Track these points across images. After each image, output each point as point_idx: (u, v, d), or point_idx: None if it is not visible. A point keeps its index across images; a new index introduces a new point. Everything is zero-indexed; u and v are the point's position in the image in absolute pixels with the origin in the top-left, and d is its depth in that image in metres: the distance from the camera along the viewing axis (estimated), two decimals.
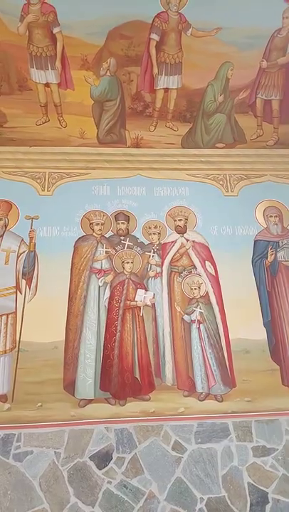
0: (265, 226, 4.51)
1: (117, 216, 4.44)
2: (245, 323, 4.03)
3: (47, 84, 4.27)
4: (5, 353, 3.79)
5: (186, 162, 4.65)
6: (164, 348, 3.93)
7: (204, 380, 3.76)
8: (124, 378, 3.74)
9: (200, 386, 3.74)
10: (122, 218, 4.43)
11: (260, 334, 4.03)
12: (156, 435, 3.44)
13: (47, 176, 4.55)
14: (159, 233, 4.40)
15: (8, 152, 4.58)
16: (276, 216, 4.53)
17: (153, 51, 4.11)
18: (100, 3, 3.75)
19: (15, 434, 3.41)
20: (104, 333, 3.92)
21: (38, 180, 4.53)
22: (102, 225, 4.37)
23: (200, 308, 4.07)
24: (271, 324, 4.09)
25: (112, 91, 4.37)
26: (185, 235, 4.40)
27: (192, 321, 4.02)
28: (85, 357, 3.81)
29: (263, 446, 3.48)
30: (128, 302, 4.04)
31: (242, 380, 3.77)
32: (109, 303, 4.04)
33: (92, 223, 4.37)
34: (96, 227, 4.34)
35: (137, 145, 4.66)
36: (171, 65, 4.24)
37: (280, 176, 4.69)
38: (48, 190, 4.49)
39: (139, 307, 4.02)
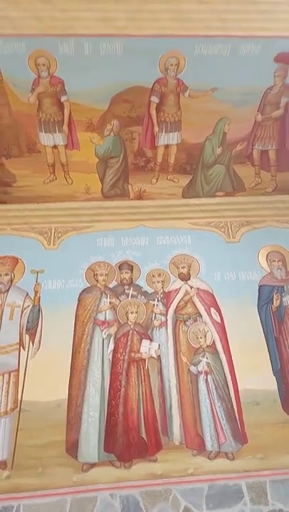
0: (269, 271, 4.50)
1: (121, 266, 4.51)
2: (254, 373, 3.90)
3: (54, 146, 4.57)
4: (6, 414, 3.70)
5: (188, 211, 4.78)
6: (170, 402, 3.80)
7: (214, 437, 3.57)
8: (130, 438, 3.58)
9: (210, 444, 3.55)
10: (126, 268, 4.49)
11: (270, 384, 3.87)
12: (165, 501, 3.22)
13: (53, 231, 4.72)
14: (162, 281, 4.42)
15: (16, 209, 4.81)
16: (279, 261, 4.53)
17: (153, 112, 4.40)
18: (103, 73, 4.10)
19: (13, 507, 3.22)
20: (108, 388, 3.82)
21: (45, 235, 4.70)
22: (106, 275, 4.43)
23: (207, 358, 3.96)
24: (281, 372, 3.94)
25: (116, 149, 4.63)
26: (189, 282, 4.41)
27: (199, 372, 3.90)
28: (89, 415, 3.69)
29: (279, 510, 3.21)
30: (133, 354, 3.97)
31: (253, 435, 3.56)
32: (114, 356, 3.97)
33: (96, 274, 4.43)
34: (100, 278, 4.40)
35: (139, 197, 4.85)
36: (170, 123, 4.49)
37: (280, 221, 4.76)
38: (53, 244, 4.64)
39: (144, 359, 3.93)
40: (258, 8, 3.86)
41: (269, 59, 4.08)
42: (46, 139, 4.52)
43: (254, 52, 4.00)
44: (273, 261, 4.51)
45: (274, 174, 4.82)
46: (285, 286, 4.36)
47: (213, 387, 3.82)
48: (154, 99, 4.33)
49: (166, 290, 4.36)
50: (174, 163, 4.70)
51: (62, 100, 4.31)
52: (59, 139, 4.52)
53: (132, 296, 4.28)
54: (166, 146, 4.63)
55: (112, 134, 4.54)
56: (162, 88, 4.28)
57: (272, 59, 4.08)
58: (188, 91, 4.29)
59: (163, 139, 4.57)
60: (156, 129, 4.49)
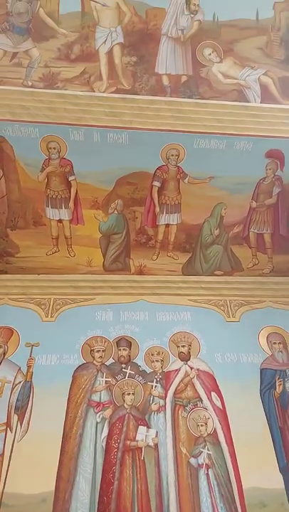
0: (270, 353, 4.40)
1: (118, 342, 4.36)
2: (259, 468, 3.59)
3: (59, 220, 4.71)
4: None
5: (187, 288, 4.81)
6: (168, 501, 3.40)
7: None
8: None
9: None
10: (124, 344, 4.34)
11: (277, 482, 3.54)
12: None
13: (52, 302, 4.64)
14: (162, 360, 4.25)
15: (16, 280, 4.77)
16: (280, 343, 4.47)
17: (155, 195, 4.69)
18: (110, 159, 4.45)
19: None
20: (100, 481, 3.42)
21: (43, 307, 4.61)
22: (103, 351, 4.25)
23: (208, 450, 3.66)
24: (288, 469, 3.61)
25: (119, 226, 4.81)
26: (189, 362, 4.26)
27: (199, 466, 3.58)
28: None
29: None
30: (128, 442, 3.66)
31: None
32: (107, 443, 3.65)
33: (92, 350, 4.27)
34: (97, 354, 4.22)
35: (140, 272, 4.91)
36: (171, 206, 4.76)
37: (279, 302, 4.80)
38: (51, 317, 4.53)
39: (140, 448, 3.61)
40: (248, 113, 4.40)
41: (261, 154, 4.53)
42: (52, 214, 4.68)
43: (247, 148, 4.44)
44: (274, 343, 4.45)
45: (270, 256, 4.99)
46: (287, 371, 4.23)
47: (215, 483, 3.49)
48: (156, 184, 4.65)
49: (165, 370, 4.18)
50: (174, 241, 4.86)
51: (69, 179, 4.58)
52: (64, 214, 4.69)
53: (130, 375, 4.08)
54: (167, 226, 4.84)
55: (115, 212, 4.75)
56: (164, 174, 4.62)
57: (264, 154, 4.52)
58: (187, 178, 4.64)
59: (164, 219, 4.80)
60: (157, 209, 4.74)
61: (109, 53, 4.64)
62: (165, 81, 4.70)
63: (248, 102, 4.60)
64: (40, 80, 4.38)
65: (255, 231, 4.95)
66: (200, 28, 4.70)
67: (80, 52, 4.67)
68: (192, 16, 4.71)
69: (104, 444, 3.64)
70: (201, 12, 4.65)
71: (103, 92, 4.52)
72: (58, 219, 4.71)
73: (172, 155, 4.49)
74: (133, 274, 4.89)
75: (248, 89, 4.65)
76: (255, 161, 4.60)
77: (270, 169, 4.63)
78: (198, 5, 4.65)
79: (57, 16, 4.68)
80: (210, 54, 4.70)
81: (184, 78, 4.67)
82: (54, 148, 4.37)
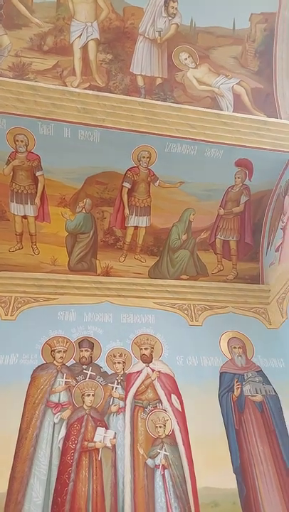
0: (230, 357, 4.51)
1: (81, 343, 4.31)
2: (214, 469, 3.67)
3: (24, 216, 4.58)
4: None
5: (153, 291, 4.83)
6: (123, 502, 3.41)
7: None
8: None
9: None
10: (86, 345, 4.29)
11: (230, 482, 3.64)
12: None
13: (12, 301, 4.49)
14: (124, 362, 4.25)
15: None
16: (240, 348, 4.58)
17: (125, 196, 4.68)
18: (80, 156, 4.38)
19: None
20: (54, 483, 3.37)
21: (3, 305, 4.45)
22: (64, 352, 4.19)
23: (165, 451, 3.71)
24: (241, 470, 3.74)
25: (86, 225, 4.75)
26: (151, 364, 4.28)
27: (156, 466, 3.62)
28: None
29: None
30: (85, 443, 3.64)
31: None
32: (64, 444, 3.61)
33: (53, 350, 4.19)
34: (57, 355, 4.15)
35: (106, 273, 4.86)
36: (140, 208, 4.77)
37: (241, 308, 4.93)
38: (11, 315, 4.38)
39: (98, 449, 3.61)
40: (220, 120, 4.49)
41: (230, 163, 4.64)
42: (17, 209, 4.54)
43: (217, 155, 4.54)
44: (234, 347, 4.56)
45: (235, 263, 5.14)
46: (245, 375, 4.34)
47: (170, 484, 3.54)
48: (127, 185, 4.64)
49: (126, 372, 4.18)
50: (142, 244, 4.89)
51: (37, 175, 4.47)
52: (30, 210, 4.57)
53: (91, 376, 4.05)
54: (136, 228, 4.84)
55: (83, 211, 4.69)
56: (134, 176, 4.63)
57: (233, 163, 4.64)
58: (158, 181, 4.67)
59: (133, 221, 4.80)
60: (126, 211, 4.73)
61: (84, 48, 4.54)
62: (140, 82, 4.67)
63: (221, 109, 4.69)
64: (9, 69, 4.20)
65: (222, 238, 5.07)
66: (177, 32, 4.71)
67: (53, 44, 4.53)
68: (170, 18, 4.70)
69: (60, 445, 3.60)
70: (179, 16, 4.67)
71: (76, 87, 4.43)
72: (22, 215, 4.57)
73: (144, 157, 4.50)
74: (99, 275, 4.84)
75: (222, 97, 4.73)
76: (224, 169, 4.71)
77: (238, 178, 4.76)
78: (176, 8, 4.66)
79: (31, 4, 4.50)
80: (186, 59, 4.74)
81: (158, 80, 4.67)
82: (21, 141, 4.23)
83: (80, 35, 4.57)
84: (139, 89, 4.60)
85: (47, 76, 4.48)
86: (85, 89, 4.41)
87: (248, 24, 4.74)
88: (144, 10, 4.57)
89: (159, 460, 3.66)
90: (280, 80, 4.71)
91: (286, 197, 4.65)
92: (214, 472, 3.66)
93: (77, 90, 4.29)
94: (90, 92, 4.33)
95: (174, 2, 4.61)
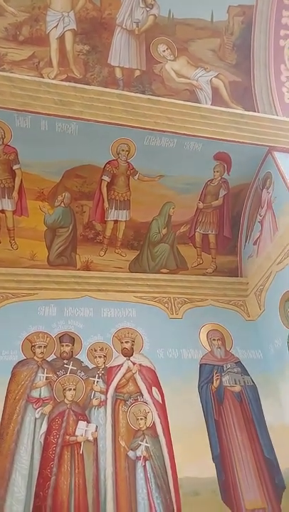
0: (210, 349, 4.56)
1: (61, 338, 4.28)
2: (194, 459, 3.74)
3: (2, 211, 4.49)
4: None
5: (134, 285, 4.82)
6: (105, 494, 3.44)
7: None
8: None
9: None
10: (67, 340, 4.26)
11: (210, 471, 3.73)
12: None
13: None
14: (104, 356, 4.24)
15: None
16: (219, 339, 4.64)
17: (104, 190, 4.63)
18: (58, 149, 4.31)
19: None
20: (36, 477, 3.38)
21: None
22: (44, 347, 4.16)
23: (146, 442, 3.75)
24: (220, 458, 3.82)
25: (65, 220, 4.69)
26: (131, 358, 4.30)
27: (137, 458, 3.66)
28: (11, 510, 3.18)
29: None
30: (67, 437, 3.65)
31: None
32: (46, 438, 3.61)
33: (33, 346, 4.14)
34: (38, 350, 4.11)
35: (86, 268, 4.81)
36: (120, 202, 4.75)
37: (220, 300, 4.97)
38: None
39: (80, 443, 3.62)
40: (199, 113, 4.50)
41: (209, 156, 4.66)
42: None
43: (196, 148, 4.55)
44: (213, 339, 4.61)
45: (214, 256, 5.17)
46: (225, 366, 4.41)
47: (152, 475, 3.59)
48: (106, 178, 4.60)
49: (107, 366, 4.18)
50: (122, 238, 4.86)
51: (14, 168, 4.37)
52: (7, 204, 4.49)
53: (72, 371, 4.04)
54: (116, 222, 4.81)
55: (62, 205, 4.63)
56: (114, 169, 4.58)
57: (212, 157, 4.65)
58: (137, 175, 4.65)
59: (112, 215, 4.77)
60: (106, 205, 4.70)
61: (61, 39, 4.46)
62: (118, 73, 4.62)
63: (200, 102, 4.70)
64: None
65: (201, 231, 5.10)
66: (155, 23, 4.67)
67: (29, 34, 4.42)
68: (148, 9, 4.65)
69: (42, 440, 3.60)
70: (157, 7, 4.61)
71: (53, 78, 4.35)
72: (0, 209, 4.47)
73: (123, 150, 4.47)
74: (79, 269, 4.78)
75: (200, 90, 4.74)
76: (203, 163, 4.73)
77: (217, 171, 4.77)
78: None
79: None
80: (164, 51, 4.70)
81: (137, 72, 4.63)
82: None
83: (57, 25, 4.47)
84: (117, 81, 4.56)
85: (23, 67, 4.37)
86: (62, 80, 4.34)
87: (226, 16, 4.73)
88: (122, 0, 4.54)
89: (140, 452, 3.70)
90: (257, 73, 4.74)
91: (264, 190, 4.70)
92: (194, 462, 3.73)
93: (54, 82, 4.22)
94: (67, 83, 4.26)
95: None
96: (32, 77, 4.08)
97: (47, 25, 4.34)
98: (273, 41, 4.69)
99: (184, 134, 4.40)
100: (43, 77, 4.21)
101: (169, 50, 4.63)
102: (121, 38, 4.53)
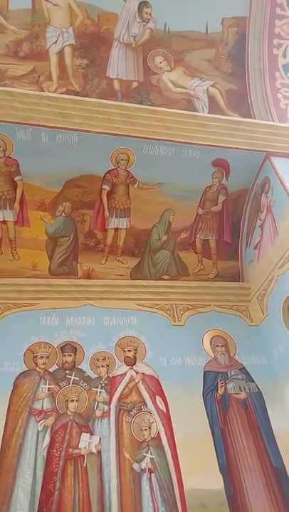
0: (213, 356, 4.50)
1: (63, 348, 4.23)
2: (200, 470, 3.63)
3: (3, 222, 4.53)
4: None
5: (135, 292, 4.79)
6: (110, 507, 3.34)
7: None
8: None
9: None
10: (69, 350, 4.23)
11: (217, 482, 3.61)
12: None
13: None
14: (107, 365, 4.19)
15: None
16: (222, 346, 4.58)
17: (104, 198, 4.68)
18: (58, 160, 4.36)
19: None
20: (39, 492, 3.28)
21: None
22: (46, 358, 4.11)
23: (151, 454, 3.66)
24: (227, 469, 3.71)
25: (66, 229, 4.72)
26: (134, 367, 4.23)
27: (142, 471, 3.57)
28: None
29: None
30: (70, 450, 3.57)
31: None
32: (49, 452, 3.53)
33: (35, 356, 4.09)
34: (40, 361, 4.06)
35: (88, 276, 4.81)
36: (120, 210, 4.78)
37: (222, 306, 4.93)
38: None
39: (83, 455, 3.53)
40: (196, 122, 4.57)
41: (207, 163, 4.71)
42: None
43: (195, 156, 4.61)
44: (217, 346, 4.55)
45: (215, 262, 5.16)
46: (229, 373, 4.34)
47: (157, 487, 3.49)
48: (106, 187, 4.65)
49: (110, 375, 4.12)
50: (123, 245, 4.87)
51: (15, 180, 4.43)
52: (9, 215, 4.53)
53: (74, 382, 3.97)
54: (116, 230, 4.83)
55: (63, 214, 4.67)
56: (113, 178, 4.64)
57: (210, 163, 4.70)
58: (137, 183, 4.70)
59: (113, 223, 4.80)
60: (106, 213, 4.73)
61: (60, 54, 4.59)
62: (116, 85, 4.73)
63: (197, 111, 4.78)
64: None
65: (201, 237, 5.10)
66: (151, 36, 4.81)
67: (29, 50, 4.56)
68: (144, 23, 4.79)
69: (45, 454, 3.51)
70: (153, 21, 4.76)
71: (53, 92, 4.47)
72: (1, 220, 4.52)
73: (122, 159, 4.53)
74: (80, 278, 4.78)
75: (197, 99, 4.83)
76: (202, 170, 4.77)
77: (216, 178, 4.81)
78: (150, 13, 4.75)
79: (6, 11, 4.54)
80: (161, 62, 4.82)
81: (134, 84, 4.75)
82: None
83: (56, 41, 4.62)
84: (115, 93, 4.66)
85: (24, 81, 4.50)
86: (62, 93, 4.45)
87: (220, 28, 4.87)
88: (119, 15, 4.65)
89: (145, 464, 3.61)
90: (253, 81, 4.84)
91: (263, 195, 4.72)
92: (201, 473, 3.62)
93: (54, 95, 4.33)
94: (67, 96, 4.36)
95: (147, 8, 4.71)
96: (33, 91, 4.19)
97: (46, 41, 4.49)
98: (267, 50, 4.81)
99: (182, 142, 4.46)
100: (44, 91, 4.32)
101: (165, 62, 4.75)
102: (118, 51, 4.66)
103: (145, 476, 3.55)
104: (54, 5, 4.55)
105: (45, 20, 4.48)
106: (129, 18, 4.67)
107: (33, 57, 4.48)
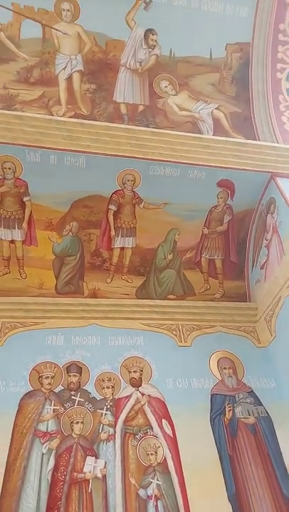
0: (220, 378, 4.42)
1: (69, 368, 4.20)
2: (208, 498, 3.52)
3: (12, 241, 4.60)
4: None
5: (141, 312, 4.77)
6: None
7: None
8: None
9: None
10: (75, 370, 4.19)
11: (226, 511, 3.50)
12: None
13: (0, 326, 4.41)
14: (112, 386, 4.14)
15: None
16: (230, 368, 4.50)
17: (111, 218, 4.75)
18: (66, 181, 4.47)
19: None
20: None
21: None
22: (52, 378, 4.08)
23: (157, 480, 3.56)
24: (236, 498, 3.57)
25: (73, 248, 4.78)
26: (140, 388, 4.17)
27: (149, 497, 3.47)
28: None
29: None
30: (75, 474, 3.50)
31: None
32: (53, 475, 3.46)
33: (41, 376, 4.07)
34: (45, 381, 4.03)
35: (93, 295, 4.83)
36: (126, 229, 4.84)
37: (229, 327, 4.87)
38: None
39: (88, 480, 3.45)
40: (201, 144, 4.67)
41: (213, 183, 4.77)
42: (4, 234, 4.58)
43: (200, 177, 4.67)
44: (224, 368, 4.47)
45: (221, 281, 5.15)
46: (237, 396, 4.24)
47: None
48: (112, 207, 4.73)
49: (116, 397, 4.06)
50: (129, 264, 4.91)
51: (24, 200, 4.54)
52: (17, 234, 4.60)
53: (79, 403, 3.93)
54: (122, 249, 4.88)
55: (70, 234, 4.74)
56: (120, 199, 4.72)
57: (216, 184, 4.76)
58: (143, 203, 4.77)
59: (119, 242, 4.85)
60: (112, 233, 4.79)
61: (69, 79, 4.76)
62: (123, 109, 4.86)
63: (202, 133, 4.87)
64: None
65: (207, 257, 5.12)
66: (157, 62, 4.97)
67: (39, 76, 4.74)
68: (150, 50, 4.95)
69: (49, 477, 3.45)
70: (159, 47, 4.92)
71: (61, 116, 4.60)
72: (10, 239, 4.60)
73: (128, 180, 4.61)
74: (86, 297, 4.79)
75: (202, 121, 4.92)
76: (207, 190, 4.83)
77: (221, 198, 4.87)
78: (156, 40, 4.92)
79: (17, 40, 4.74)
80: (166, 86, 4.96)
81: (141, 107, 4.88)
82: (9, 169, 4.34)
83: (65, 67, 4.79)
84: (122, 116, 4.79)
85: (33, 106, 4.65)
86: (71, 117, 4.57)
87: (224, 53, 5.01)
88: (126, 43, 4.82)
89: (152, 490, 3.51)
90: (257, 104, 4.93)
91: (268, 215, 4.74)
92: (209, 501, 3.50)
93: (62, 119, 4.46)
94: (75, 120, 4.50)
95: (153, 35, 4.89)
96: (42, 115, 4.33)
97: (56, 67, 4.66)
98: (271, 74, 4.92)
99: (187, 164, 4.53)
100: (53, 115, 4.46)
101: (170, 86, 4.88)
102: (125, 76, 4.81)
103: (151, 503, 3.45)
104: (64, 34, 4.77)
105: (54, 48, 4.67)
106: (136, 44, 4.84)
107: (42, 82, 4.65)
